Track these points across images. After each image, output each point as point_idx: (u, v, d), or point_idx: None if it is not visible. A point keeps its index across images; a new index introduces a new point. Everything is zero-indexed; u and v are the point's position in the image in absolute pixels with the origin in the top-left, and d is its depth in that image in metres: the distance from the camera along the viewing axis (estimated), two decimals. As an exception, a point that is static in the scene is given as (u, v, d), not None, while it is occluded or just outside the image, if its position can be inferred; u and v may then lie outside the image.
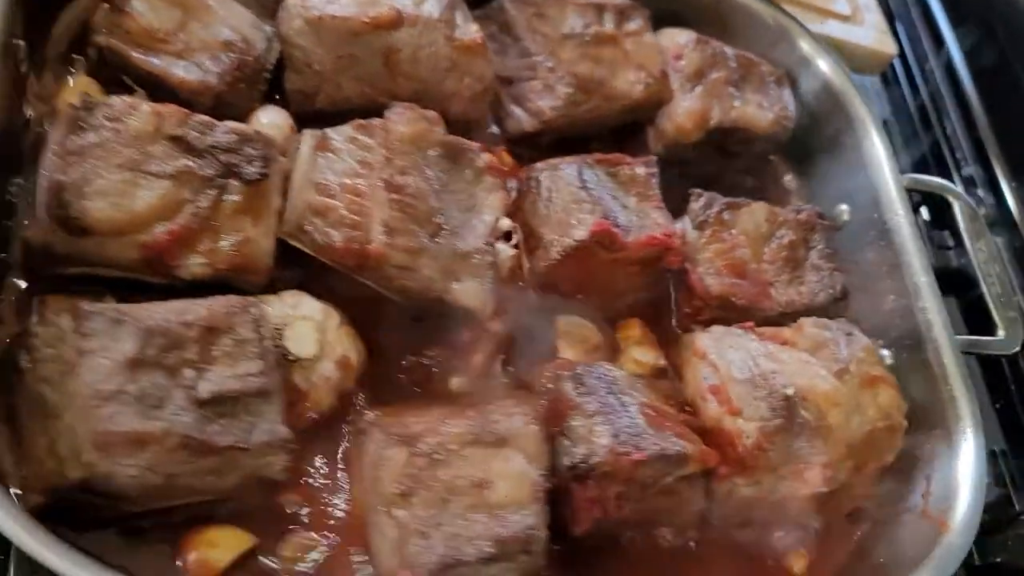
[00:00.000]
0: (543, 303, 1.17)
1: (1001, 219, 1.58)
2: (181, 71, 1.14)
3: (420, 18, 1.20)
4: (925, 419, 1.20)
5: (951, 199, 1.38)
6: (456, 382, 1.12)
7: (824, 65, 1.42)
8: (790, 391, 1.08)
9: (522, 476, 0.97)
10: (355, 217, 1.05)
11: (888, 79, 1.78)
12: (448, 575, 0.92)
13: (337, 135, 1.10)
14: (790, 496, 1.09)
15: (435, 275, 1.08)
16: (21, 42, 1.07)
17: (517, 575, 0.95)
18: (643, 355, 1.19)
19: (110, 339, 0.89)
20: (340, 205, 1.06)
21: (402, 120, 1.10)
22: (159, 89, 1.14)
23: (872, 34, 1.66)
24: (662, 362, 1.19)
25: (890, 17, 1.79)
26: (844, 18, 1.65)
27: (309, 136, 1.10)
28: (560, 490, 1.01)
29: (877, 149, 1.36)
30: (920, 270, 1.26)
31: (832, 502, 1.12)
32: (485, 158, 1.14)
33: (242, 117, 1.16)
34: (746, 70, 1.39)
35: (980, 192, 1.63)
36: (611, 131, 1.37)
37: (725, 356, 1.12)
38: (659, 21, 1.40)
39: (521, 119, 1.30)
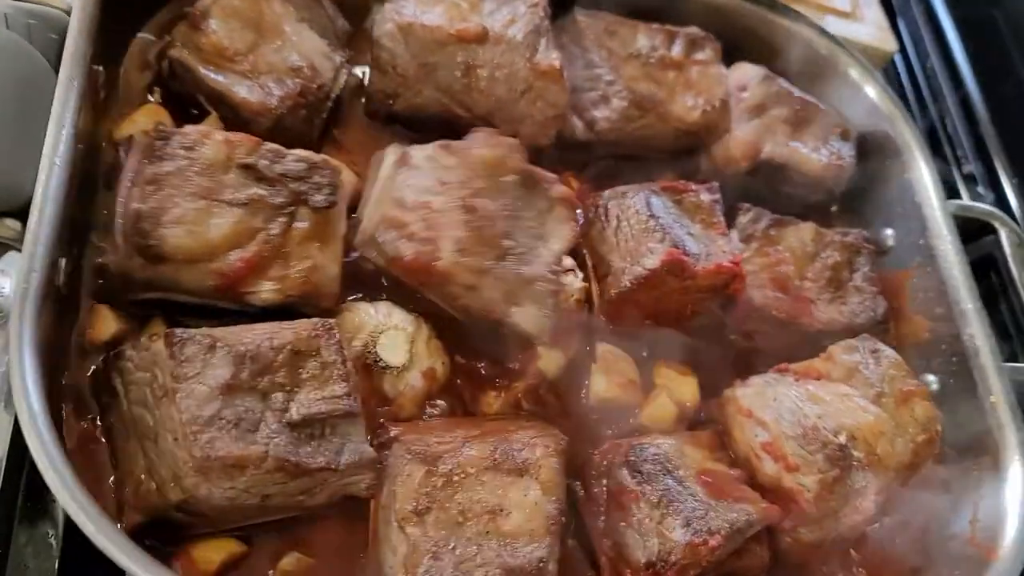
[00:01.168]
0: (599, 331, 1.19)
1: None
2: (244, 91, 1.16)
3: (504, 38, 1.23)
4: (972, 446, 1.22)
5: (998, 225, 1.40)
6: (492, 401, 1.14)
7: (872, 91, 1.44)
8: (842, 438, 1.09)
9: (537, 508, 0.98)
10: (427, 233, 1.07)
11: (889, 75, 1.78)
12: None
13: (418, 152, 1.12)
14: (848, 528, 1.11)
15: (497, 297, 1.10)
16: (100, 67, 1.09)
17: None
18: (675, 398, 1.19)
19: (205, 365, 0.91)
20: (414, 220, 1.08)
21: (484, 144, 1.12)
22: (221, 106, 1.17)
23: (872, 31, 1.67)
24: (690, 404, 1.20)
25: (891, 13, 1.80)
26: (844, 15, 1.66)
27: (392, 151, 1.12)
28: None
29: (924, 175, 1.38)
30: (967, 297, 1.28)
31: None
32: (560, 190, 1.16)
33: (303, 139, 1.19)
34: (809, 115, 1.40)
35: (980, 189, 1.64)
36: (665, 154, 1.39)
37: (770, 410, 1.13)
38: (729, 54, 1.42)
39: (575, 127, 1.33)
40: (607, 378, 1.17)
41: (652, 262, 1.15)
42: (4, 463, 0.97)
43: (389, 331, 1.07)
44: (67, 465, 0.85)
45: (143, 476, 0.92)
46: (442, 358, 1.11)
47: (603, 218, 1.22)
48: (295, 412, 0.93)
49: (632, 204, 1.21)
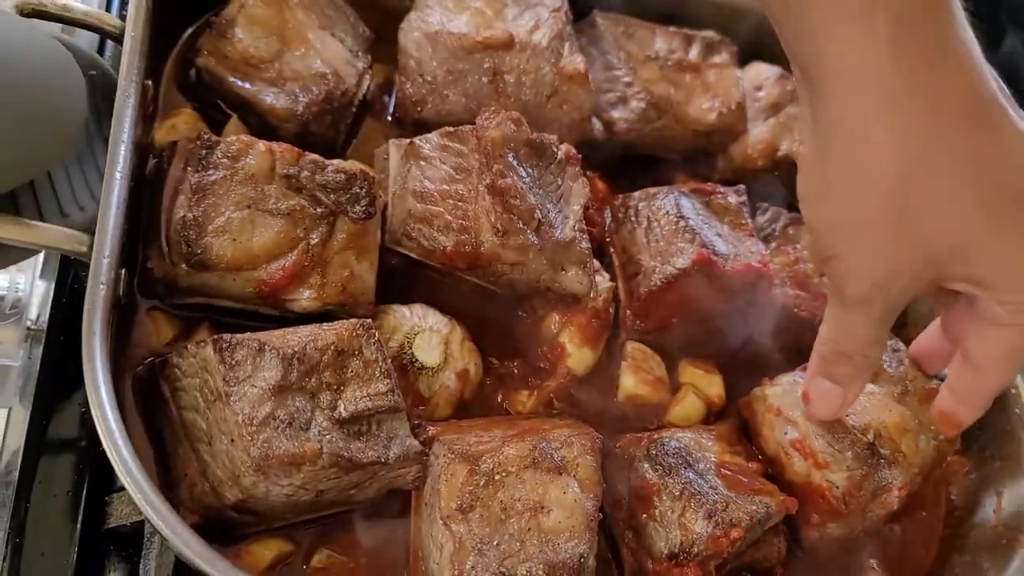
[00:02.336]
0: (627, 330, 1.22)
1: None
2: (271, 98, 1.19)
3: (530, 43, 1.27)
4: (994, 436, 1.25)
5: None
6: (525, 400, 1.17)
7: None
8: (870, 436, 1.12)
9: (576, 505, 1.00)
10: (462, 221, 1.11)
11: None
12: None
13: (426, 143, 1.15)
14: (872, 522, 1.15)
15: (543, 267, 1.13)
16: (149, 82, 1.12)
17: None
18: (702, 396, 1.23)
19: (255, 368, 0.94)
20: (443, 211, 1.11)
21: (492, 124, 1.15)
22: (248, 112, 1.20)
23: None
24: (717, 402, 1.23)
25: None
26: None
27: (395, 145, 1.15)
28: (658, 573, 1.05)
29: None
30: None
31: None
32: (564, 148, 1.20)
33: (328, 144, 1.23)
34: None
35: None
36: (681, 155, 1.42)
37: (799, 408, 1.15)
38: (743, 54, 1.46)
39: (594, 127, 1.35)
40: (636, 376, 1.20)
41: (683, 262, 1.18)
42: (21, 455, 1.00)
43: (424, 332, 1.10)
44: (147, 478, 0.88)
45: (198, 479, 0.95)
46: (475, 359, 1.15)
47: (633, 219, 1.25)
48: (343, 409, 0.96)
49: (662, 206, 1.24)
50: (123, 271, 0.99)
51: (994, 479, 1.24)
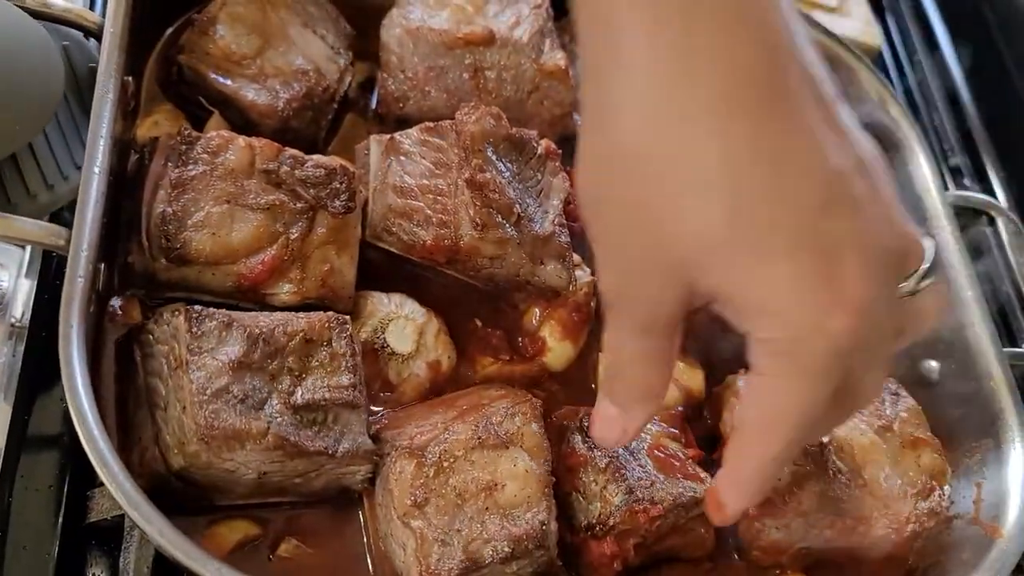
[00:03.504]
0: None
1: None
2: (252, 94, 1.21)
3: (510, 40, 1.28)
4: (973, 430, 1.27)
5: (994, 214, 1.46)
6: (487, 364, 1.19)
7: (873, 88, 1.49)
8: (825, 438, 1.11)
9: (528, 475, 1.02)
10: (441, 216, 1.12)
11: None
12: None
13: (406, 138, 1.17)
14: (821, 545, 1.13)
15: (522, 261, 1.15)
16: (130, 78, 1.14)
17: (533, 568, 1.02)
18: (681, 384, 1.23)
19: (219, 341, 0.97)
20: (423, 206, 1.13)
21: (471, 119, 1.16)
22: (229, 108, 1.22)
23: (857, 25, 1.71)
24: (695, 393, 1.23)
25: (878, 6, 1.84)
26: (831, 9, 1.70)
27: (376, 141, 1.17)
28: (576, 545, 1.07)
29: (924, 168, 1.43)
30: (967, 284, 1.33)
31: (870, 553, 1.15)
32: (544, 143, 1.21)
33: (309, 140, 1.25)
34: None
35: (967, 181, 1.69)
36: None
37: None
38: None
39: (575, 124, 1.35)
40: None
41: None
42: (2, 451, 1.02)
43: (399, 320, 1.13)
44: (125, 472, 0.89)
45: (150, 444, 0.98)
46: (449, 352, 1.17)
47: None
48: (299, 396, 0.98)
49: None
50: (102, 266, 1.01)
51: (973, 471, 1.26)
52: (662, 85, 0.67)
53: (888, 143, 1.47)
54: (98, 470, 0.89)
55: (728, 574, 1.16)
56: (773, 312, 0.70)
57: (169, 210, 1.02)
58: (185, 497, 0.99)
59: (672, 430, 1.16)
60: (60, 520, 1.02)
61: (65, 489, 1.04)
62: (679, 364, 1.25)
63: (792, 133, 0.67)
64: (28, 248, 1.13)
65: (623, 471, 1.06)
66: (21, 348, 1.09)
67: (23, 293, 1.15)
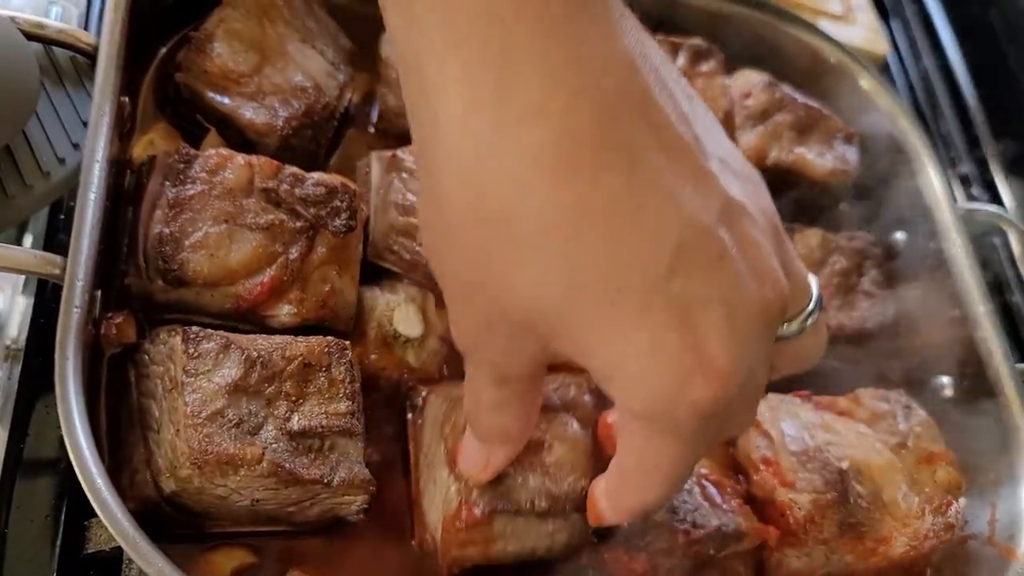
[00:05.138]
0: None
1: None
2: (250, 112, 1.20)
3: None
4: (986, 446, 1.26)
5: (1005, 227, 1.46)
6: None
7: (880, 97, 1.49)
8: (844, 464, 1.11)
9: (577, 440, 1.04)
10: None
11: (881, 78, 1.83)
12: (501, 521, 0.99)
13: (408, 155, 1.16)
14: (841, 570, 1.12)
15: None
16: (126, 98, 1.13)
17: (568, 535, 1.02)
18: None
19: (216, 363, 0.96)
20: None
21: None
22: (228, 127, 1.20)
23: (863, 33, 1.72)
24: None
25: (884, 13, 1.85)
26: (836, 18, 1.71)
27: (376, 158, 1.16)
28: (607, 558, 1.05)
29: (934, 180, 1.43)
30: (979, 299, 1.33)
31: (887, 573, 1.14)
32: None
33: (309, 158, 1.23)
34: (813, 120, 1.45)
35: (975, 190, 1.69)
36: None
37: (779, 426, 1.16)
38: (736, 60, 1.48)
39: None
40: None
41: None
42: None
43: (401, 305, 1.13)
44: (121, 505, 0.88)
45: (141, 466, 0.97)
46: None
47: None
48: (296, 422, 0.97)
49: None
50: (99, 293, 1.00)
51: (987, 490, 1.25)
52: (479, 144, 0.62)
53: (896, 153, 1.47)
54: (96, 508, 0.88)
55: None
56: (632, 379, 0.66)
57: (167, 231, 1.02)
58: (175, 523, 0.98)
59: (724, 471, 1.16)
60: (57, 551, 1.00)
61: (62, 519, 1.02)
62: None
63: (631, 189, 0.61)
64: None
65: None
66: (17, 370, 1.08)
67: (19, 314, 1.14)
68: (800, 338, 0.78)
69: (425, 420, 1.06)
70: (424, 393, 1.08)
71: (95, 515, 1.00)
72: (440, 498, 1.01)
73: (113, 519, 0.87)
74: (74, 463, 0.89)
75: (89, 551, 1.00)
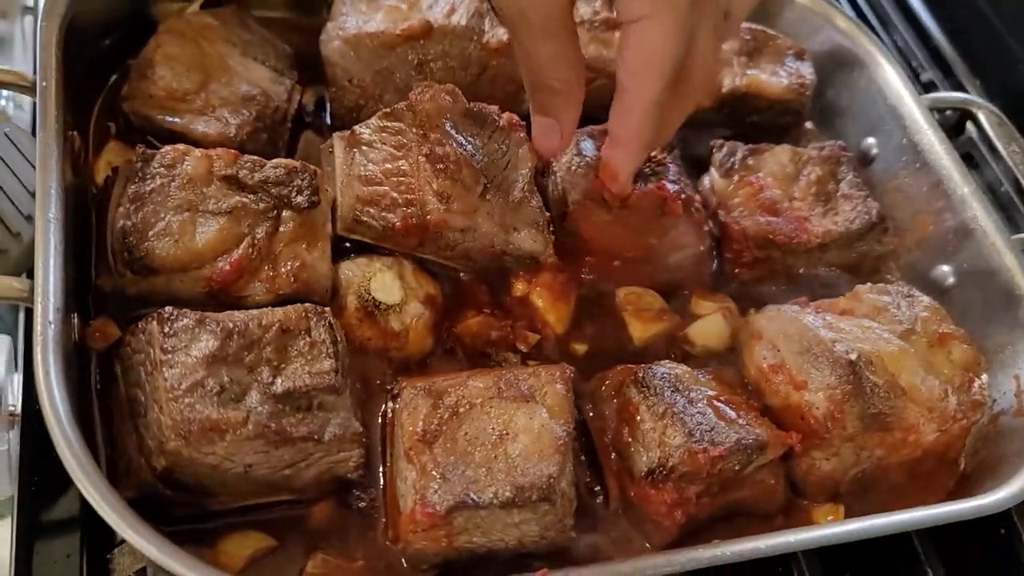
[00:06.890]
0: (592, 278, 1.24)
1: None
2: (202, 126, 1.23)
3: (448, 27, 1.31)
4: (999, 323, 1.26)
5: (975, 110, 1.46)
6: (469, 320, 1.19)
7: (824, 10, 1.50)
8: (853, 356, 1.10)
9: (544, 429, 1.02)
10: (407, 195, 1.14)
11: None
12: (463, 515, 0.97)
13: (365, 128, 1.19)
14: (874, 467, 1.12)
15: (494, 229, 1.17)
16: (75, 133, 1.17)
17: (539, 527, 1.00)
18: (712, 329, 1.25)
19: (193, 337, 0.98)
20: (388, 189, 1.15)
21: (425, 97, 1.19)
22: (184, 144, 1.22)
23: None
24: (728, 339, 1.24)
25: None
26: None
27: (338, 137, 1.19)
28: (636, 500, 1.05)
29: (893, 78, 1.44)
30: (961, 181, 1.33)
31: (922, 465, 1.13)
32: (507, 116, 1.24)
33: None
34: (760, 43, 1.48)
35: (943, 94, 1.66)
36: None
37: (782, 333, 1.16)
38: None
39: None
40: (639, 319, 1.23)
41: (576, 195, 1.23)
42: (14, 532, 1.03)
43: (377, 275, 1.15)
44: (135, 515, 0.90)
45: (135, 453, 0.98)
46: (433, 283, 1.19)
47: (555, 173, 1.28)
48: (279, 385, 0.99)
49: (571, 151, 1.27)
50: (74, 315, 1.03)
51: (1008, 364, 1.24)
52: None
53: (850, 61, 1.48)
54: (89, 499, 0.89)
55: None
56: None
57: (129, 223, 1.05)
58: (176, 504, 0.99)
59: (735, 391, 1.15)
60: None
61: (84, 556, 1.04)
62: (710, 304, 1.26)
63: None
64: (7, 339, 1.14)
65: (682, 416, 1.06)
66: (17, 432, 1.09)
67: (14, 384, 1.15)
68: None
69: (398, 412, 1.06)
70: (403, 384, 1.08)
71: (116, 545, 1.02)
72: (401, 487, 1.01)
73: (108, 506, 0.88)
74: (68, 468, 0.90)
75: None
